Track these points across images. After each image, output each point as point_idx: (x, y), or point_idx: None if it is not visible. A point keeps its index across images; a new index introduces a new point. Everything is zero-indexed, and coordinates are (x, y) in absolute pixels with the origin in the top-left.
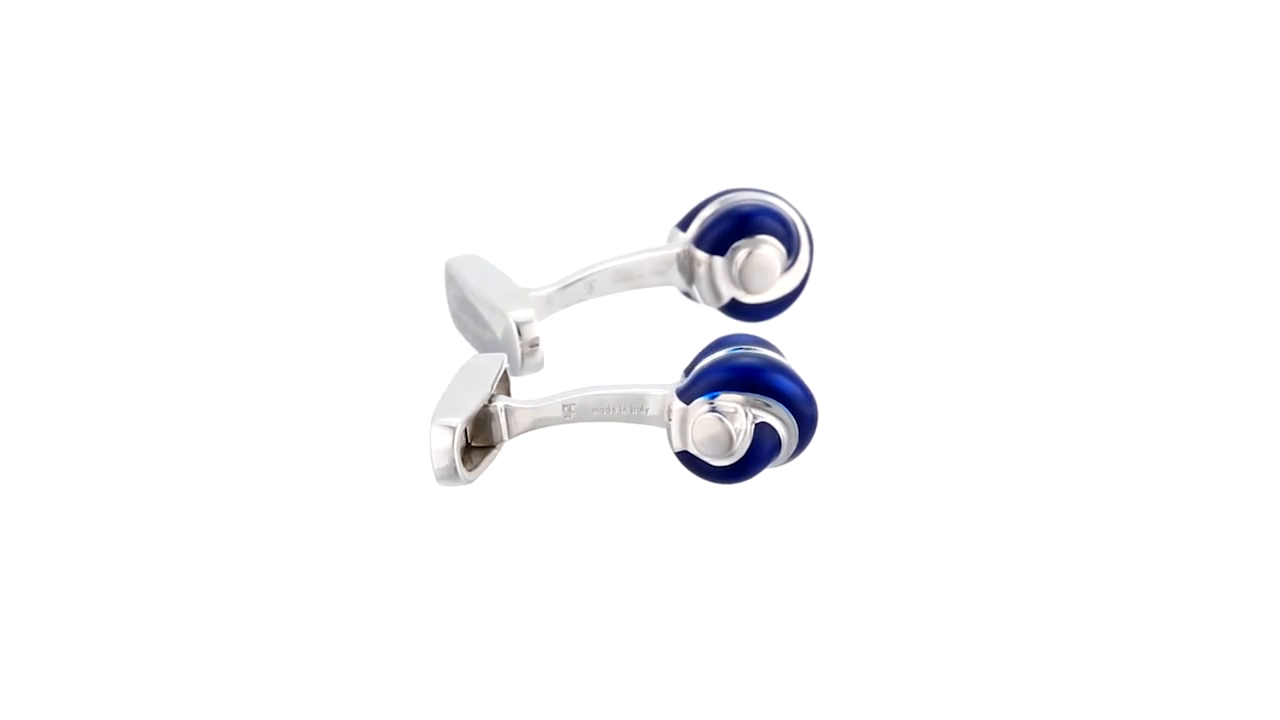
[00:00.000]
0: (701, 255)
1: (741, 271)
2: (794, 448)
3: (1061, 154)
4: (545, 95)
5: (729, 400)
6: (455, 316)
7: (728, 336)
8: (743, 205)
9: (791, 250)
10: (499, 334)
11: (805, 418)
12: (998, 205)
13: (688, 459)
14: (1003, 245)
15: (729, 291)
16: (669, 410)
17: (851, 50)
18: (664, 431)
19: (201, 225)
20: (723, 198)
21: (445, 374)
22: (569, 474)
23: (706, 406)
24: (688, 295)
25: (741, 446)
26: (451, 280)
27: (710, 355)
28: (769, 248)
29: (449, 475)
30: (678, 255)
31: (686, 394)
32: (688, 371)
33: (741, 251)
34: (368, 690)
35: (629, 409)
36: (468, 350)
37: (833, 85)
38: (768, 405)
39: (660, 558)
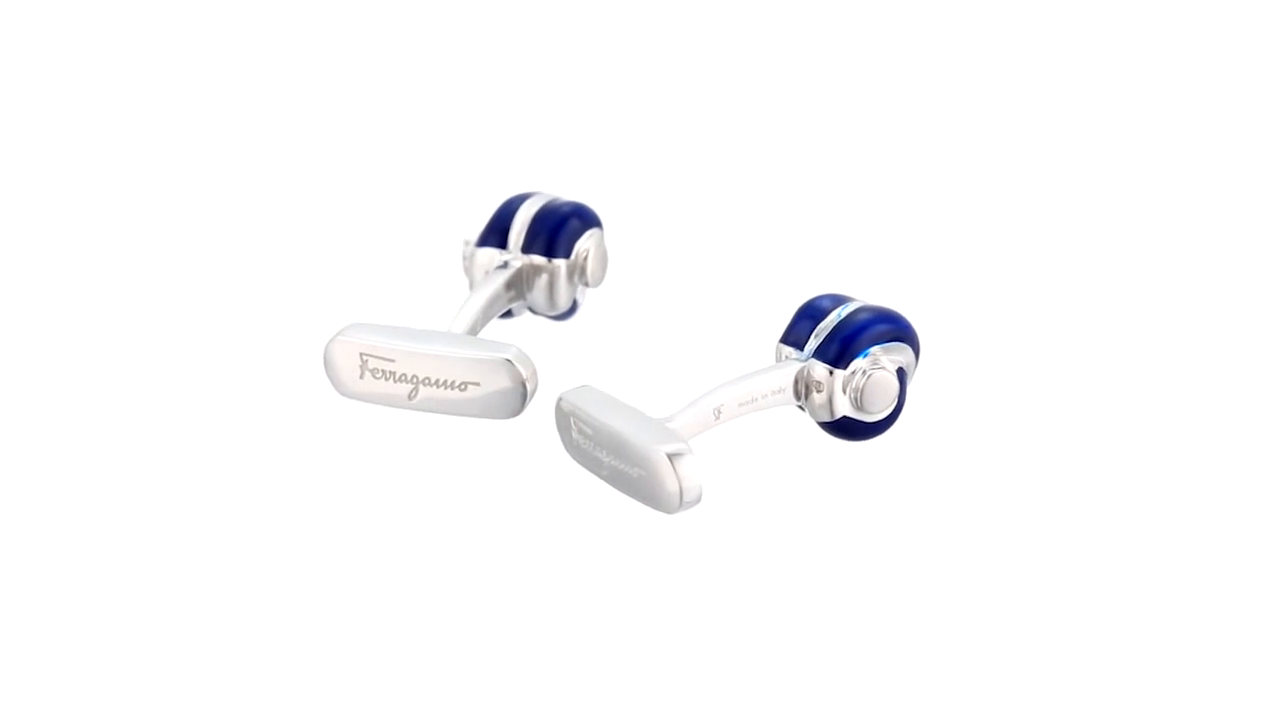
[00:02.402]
0: (542, 261)
1: (585, 266)
2: (911, 380)
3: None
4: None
5: (877, 354)
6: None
7: (818, 298)
8: (561, 205)
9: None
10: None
11: (919, 349)
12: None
13: (840, 425)
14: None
15: (570, 291)
16: (817, 383)
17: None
18: (798, 410)
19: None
20: (525, 204)
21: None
22: None
23: (863, 366)
24: (507, 315)
25: (897, 394)
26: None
27: (827, 318)
28: (599, 240)
29: (698, 496)
30: (514, 272)
31: (833, 359)
32: (795, 344)
33: (584, 250)
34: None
35: (771, 394)
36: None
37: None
38: (898, 349)
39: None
